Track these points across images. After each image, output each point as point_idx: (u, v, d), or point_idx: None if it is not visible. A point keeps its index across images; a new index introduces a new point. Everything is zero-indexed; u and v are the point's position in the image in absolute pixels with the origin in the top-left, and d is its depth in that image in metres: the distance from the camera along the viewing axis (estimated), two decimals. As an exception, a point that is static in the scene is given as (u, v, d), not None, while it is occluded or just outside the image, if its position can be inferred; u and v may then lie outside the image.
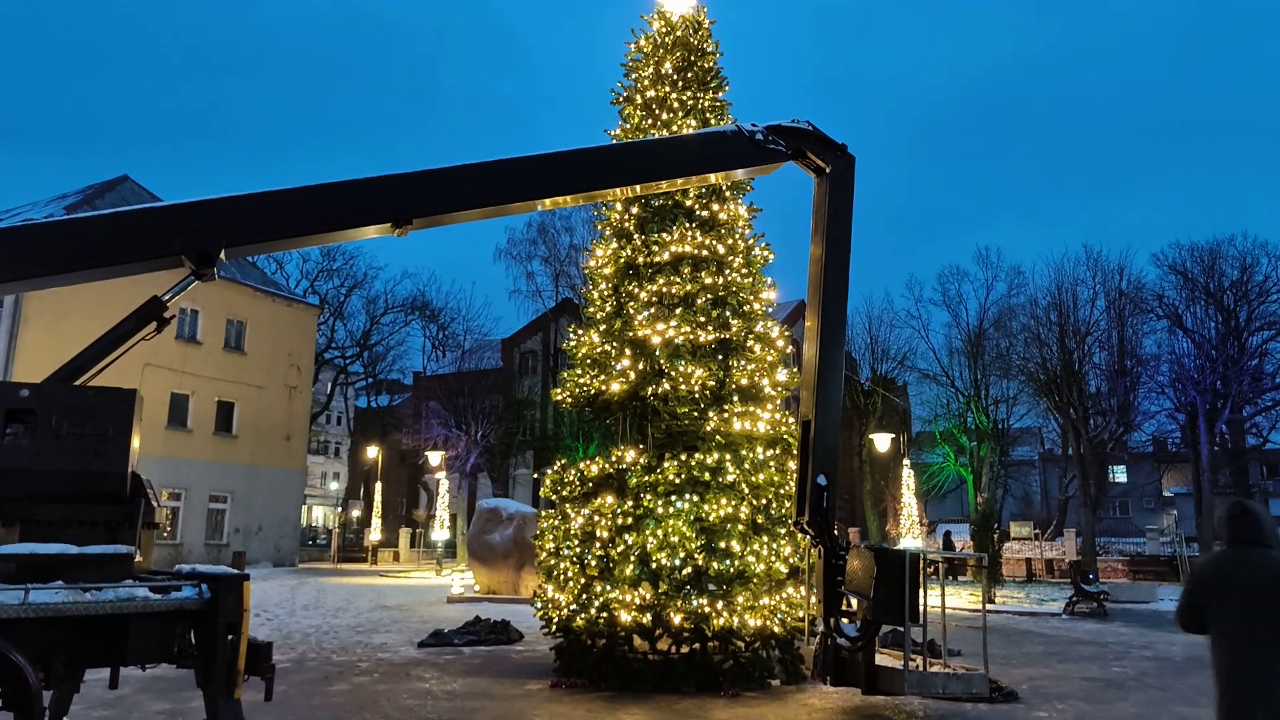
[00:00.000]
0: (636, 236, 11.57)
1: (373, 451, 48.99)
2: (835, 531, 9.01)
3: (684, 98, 11.78)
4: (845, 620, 8.64)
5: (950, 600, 11.12)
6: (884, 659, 8.63)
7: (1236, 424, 42.08)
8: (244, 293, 38.27)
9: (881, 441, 33.33)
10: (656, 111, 11.77)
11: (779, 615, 10.00)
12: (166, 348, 33.12)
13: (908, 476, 31.98)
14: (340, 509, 63.88)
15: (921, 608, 8.24)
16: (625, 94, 12.19)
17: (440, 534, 39.13)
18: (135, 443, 6.33)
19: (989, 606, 19.59)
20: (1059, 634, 16.12)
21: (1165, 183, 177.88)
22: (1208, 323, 38.44)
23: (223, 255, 7.06)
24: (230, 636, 5.93)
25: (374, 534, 44.16)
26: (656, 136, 11.34)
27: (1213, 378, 35.26)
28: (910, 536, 28.72)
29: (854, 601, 8.58)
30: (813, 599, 9.10)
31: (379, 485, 47.19)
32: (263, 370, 38.79)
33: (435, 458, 40.02)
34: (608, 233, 11.96)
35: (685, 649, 9.70)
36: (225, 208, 7.17)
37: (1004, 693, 9.46)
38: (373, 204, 7.61)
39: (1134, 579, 29.20)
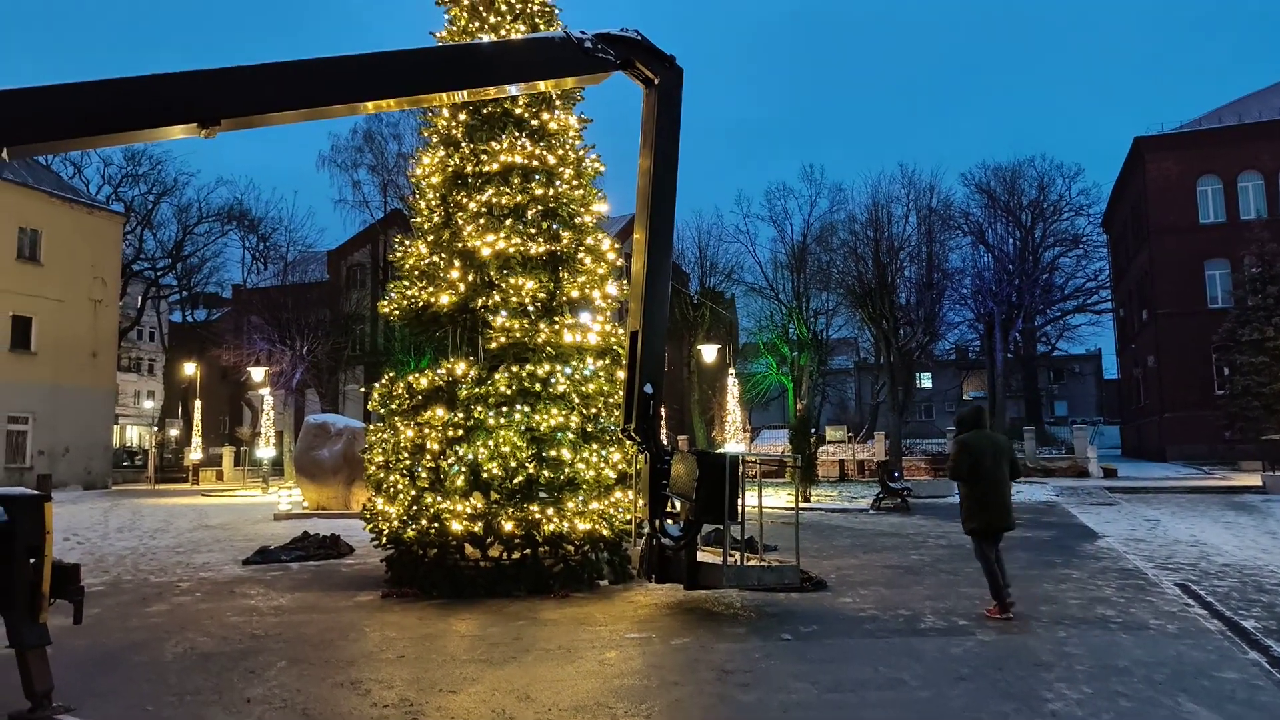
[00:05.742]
0: (465, 145, 11.29)
1: (190, 368, 46.28)
2: (661, 437, 9.38)
3: (511, 0, 11.45)
4: (669, 521, 9.06)
5: (769, 500, 11.80)
6: (705, 556, 9.09)
7: (1029, 333, 46.15)
8: (36, 198, 34.77)
9: (709, 352, 34.41)
10: (484, 14, 11.38)
11: (607, 519, 10.37)
12: (-55, 257, 29.85)
13: (733, 385, 33.27)
14: (157, 428, 60.33)
15: (741, 507, 8.77)
16: (452, -6, 11.68)
17: (266, 451, 37.76)
18: None
19: (804, 505, 21.09)
20: (866, 528, 17.48)
21: (978, 106, 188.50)
22: (1007, 239, 41.57)
23: (3, 155, 6.36)
24: (32, 560, 5.63)
25: (194, 453, 42.09)
26: (484, 40, 11.00)
27: (1009, 290, 38.26)
28: (734, 442, 30.06)
29: (678, 503, 9.03)
30: (639, 502, 9.48)
31: (198, 403, 44.77)
32: (63, 283, 35.65)
33: (258, 373, 38.32)
34: (435, 140, 11.60)
35: (516, 555, 9.95)
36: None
37: (814, 582, 10.17)
38: (177, 101, 7.01)
39: (935, 476, 31.84)
